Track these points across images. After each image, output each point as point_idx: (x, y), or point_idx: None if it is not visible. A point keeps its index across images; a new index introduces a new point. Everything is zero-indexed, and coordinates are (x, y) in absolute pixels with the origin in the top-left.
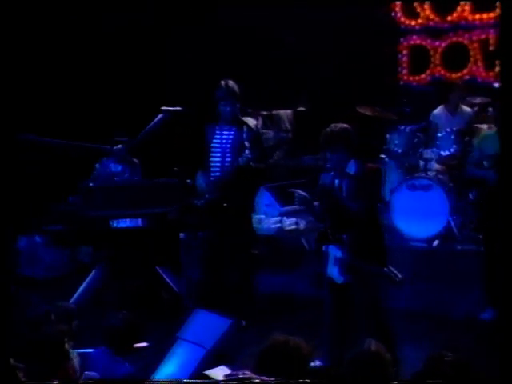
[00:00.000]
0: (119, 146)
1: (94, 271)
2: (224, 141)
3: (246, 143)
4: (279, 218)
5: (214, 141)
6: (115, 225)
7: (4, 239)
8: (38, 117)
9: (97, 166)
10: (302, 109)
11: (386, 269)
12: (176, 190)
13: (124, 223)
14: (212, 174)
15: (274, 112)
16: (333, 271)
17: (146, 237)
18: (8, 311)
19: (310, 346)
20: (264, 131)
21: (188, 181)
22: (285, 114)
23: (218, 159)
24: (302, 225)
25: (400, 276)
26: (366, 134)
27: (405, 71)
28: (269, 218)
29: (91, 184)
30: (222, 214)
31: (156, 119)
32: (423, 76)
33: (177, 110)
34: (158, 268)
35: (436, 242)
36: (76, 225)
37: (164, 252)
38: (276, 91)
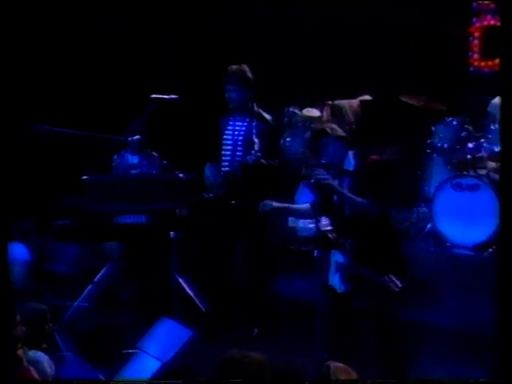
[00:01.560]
0: (136, 136)
1: (105, 268)
2: (236, 132)
3: (256, 139)
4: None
5: (226, 132)
6: (118, 220)
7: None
8: (50, 107)
9: (115, 157)
10: (367, 98)
11: (385, 277)
12: (187, 185)
13: (128, 219)
14: (222, 168)
15: (335, 102)
16: (334, 279)
17: (151, 234)
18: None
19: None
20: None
21: (180, 175)
22: (348, 104)
23: (228, 152)
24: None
25: (400, 285)
26: (410, 126)
27: (476, 56)
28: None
29: (86, 177)
30: (229, 212)
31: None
32: (497, 61)
33: (170, 99)
34: (176, 276)
35: (489, 251)
36: (82, 220)
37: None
38: (338, 80)
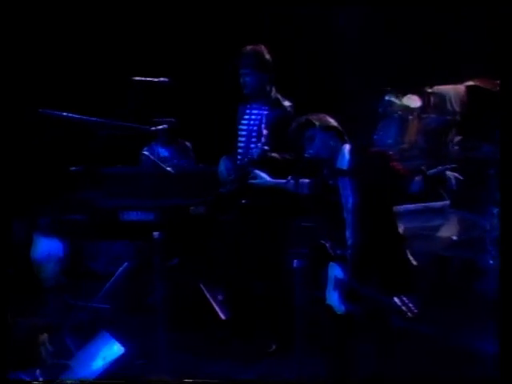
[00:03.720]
0: (163, 125)
1: (123, 265)
2: (252, 122)
3: (264, 130)
4: None
5: (242, 121)
6: (124, 217)
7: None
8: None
9: (144, 149)
10: (471, 83)
11: (397, 299)
12: (206, 178)
13: (134, 216)
14: (237, 162)
15: (436, 89)
16: (332, 297)
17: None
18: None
19: None
20: (424, 115)
21: (168, 169)
22: (453, 90)
23: (242, 144)
24: (401, 229)
25: (415, 311)
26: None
27: None
28: None
29: (76, 169)
30: (238, 213)
31: None
32: None
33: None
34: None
35: None
36: (89, 215)
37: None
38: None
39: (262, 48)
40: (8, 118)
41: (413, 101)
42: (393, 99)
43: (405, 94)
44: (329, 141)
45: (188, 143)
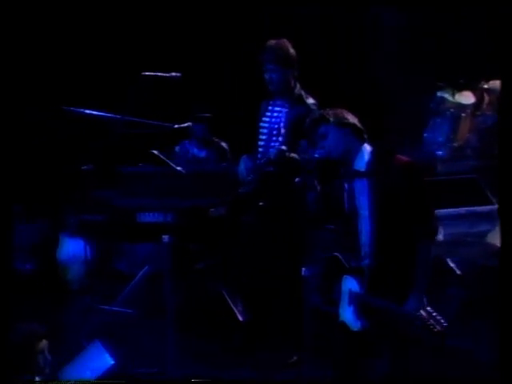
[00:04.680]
0: (188, 123)
1: (144, 269)
2: (274, 120)
3: (282, 129)
4: None
5: (264, 119)
6: (140, 219)
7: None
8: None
9: (176, 149)
10: None
11: (423, 312)
12: (228, 178)
13: (150, 217)
14: (257, 161)
15: (491, 85)
16: (346, 313)
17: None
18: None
19: None
20: (478, 113)
21: (178, 168)
22: None
23: (262, 143)
24: (441, 235)
25: (444, 324)
26: None
27: None
28: None
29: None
30: (255, 216)
31: None
32: None
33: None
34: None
35: None
36: (107, 216)
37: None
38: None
39: (286, 43)
40: (23, 115)
41: (466, 97)
42: (445, 96)
43: (458, 90)
44: (343, 139)
45: (224, 143)
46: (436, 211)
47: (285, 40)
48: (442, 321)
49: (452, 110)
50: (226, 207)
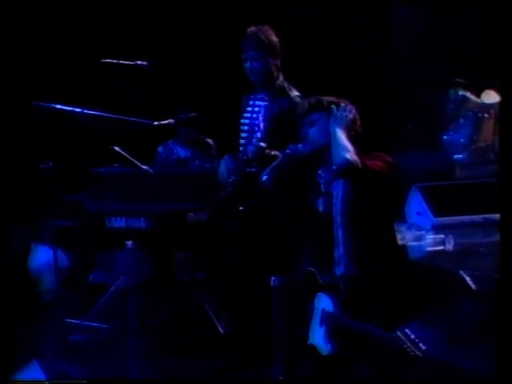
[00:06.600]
0: (169, 120)
1: (119, 280)
2: (255, 115)
3: (261, 123)
4: (422, 232)
5: (245, 115)
6: (110, 224)
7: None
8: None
9: (159, 149)
10: None
11: (399, 334)
12: (207, 182)
13: (121, 223)
14: (237, 162)
15: None
16: (317, 335)
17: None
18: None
19: None
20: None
21: (145, 167)
22: None
23: (243, 141)
24: (451, 245)
25: (422, 348)
26: None
27: None
28: (414, 232)
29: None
30: (234, 223)
31: None
32: None
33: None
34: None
35: None
36: (79, 221)
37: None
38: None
39: (268, 29)
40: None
41: (490, 97)
42: (467, 95)
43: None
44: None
45: (211, 141)
46: (447, 218)
47: (267, 26)
48: (420, 344)
49: (474, 109)
50: (206, 212)
